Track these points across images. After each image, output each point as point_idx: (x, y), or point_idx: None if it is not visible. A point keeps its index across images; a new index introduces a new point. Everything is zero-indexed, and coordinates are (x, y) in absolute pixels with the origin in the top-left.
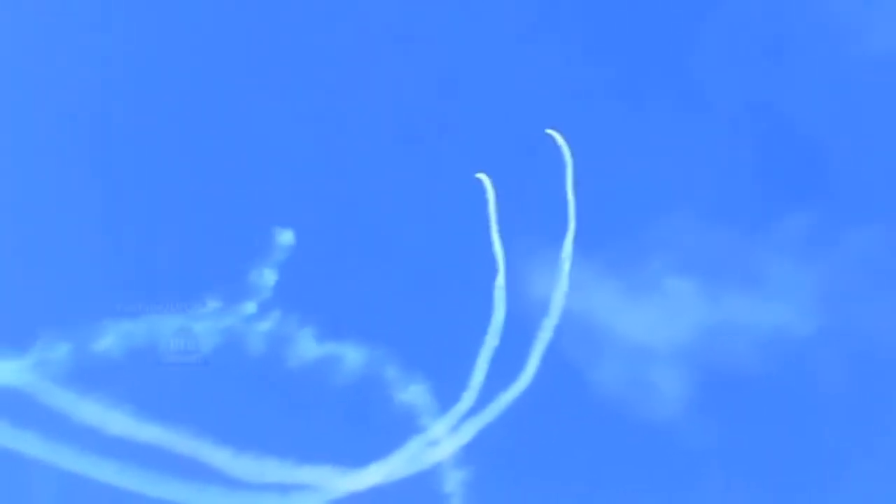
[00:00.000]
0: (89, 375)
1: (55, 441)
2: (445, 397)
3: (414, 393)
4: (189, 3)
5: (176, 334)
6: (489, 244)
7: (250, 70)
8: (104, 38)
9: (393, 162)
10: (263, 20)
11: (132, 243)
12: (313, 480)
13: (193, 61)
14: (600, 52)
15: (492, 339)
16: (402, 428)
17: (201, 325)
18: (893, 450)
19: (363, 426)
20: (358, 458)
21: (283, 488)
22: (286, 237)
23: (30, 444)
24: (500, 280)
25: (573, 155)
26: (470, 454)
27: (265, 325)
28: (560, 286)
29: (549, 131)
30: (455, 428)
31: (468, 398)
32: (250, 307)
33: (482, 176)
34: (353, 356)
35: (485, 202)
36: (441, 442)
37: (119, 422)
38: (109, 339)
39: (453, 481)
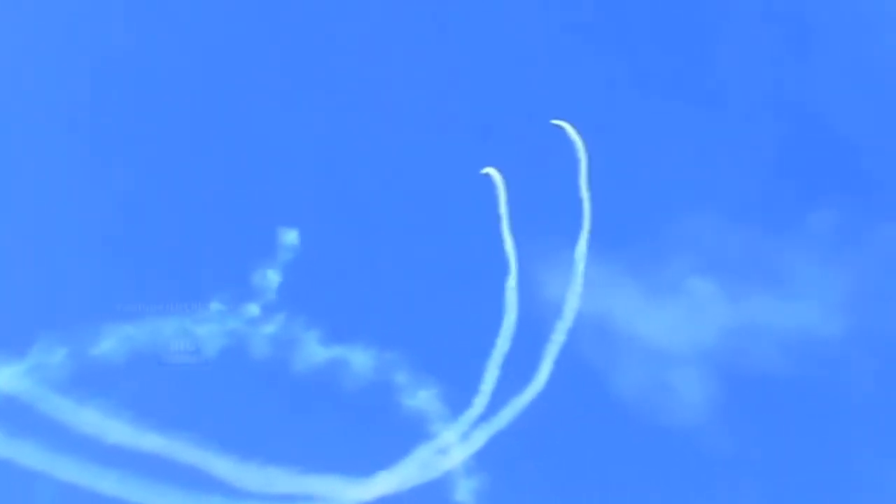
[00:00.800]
0: (88, 381)
1: (53, 450)
2: (456, 403)
3: (423, 398)
4: (193, 3)
5: (176, 334)
6: (500, 243)
7: (253, 69)
8: (108, 37)
9: (401, 159)
10: (268, 17)
11: (133, 244)
12: (319, 490)
13: (197, 61)
14: (618, 46)
15: (504, 343)
16: (411, 435)
17: (204, 328)
18: None
19: (371, 433)
20: (365, 466)
21: (289, 498)
22: (290, 237)
23: (27, 454)
24: (512, 281)
25: (593, 151)
26: (482, 462)
27: (269, 328)
28: (574, 287)
29: (562, 123)
30: (466, 434)
31: (479, 403)
32: (254, 309)
33: (492, 171)
34: (360, 360)
35: (495, 199)
36: (452, 449)
37: (119, 429)
38: (109, 343)
39: (465, 490)
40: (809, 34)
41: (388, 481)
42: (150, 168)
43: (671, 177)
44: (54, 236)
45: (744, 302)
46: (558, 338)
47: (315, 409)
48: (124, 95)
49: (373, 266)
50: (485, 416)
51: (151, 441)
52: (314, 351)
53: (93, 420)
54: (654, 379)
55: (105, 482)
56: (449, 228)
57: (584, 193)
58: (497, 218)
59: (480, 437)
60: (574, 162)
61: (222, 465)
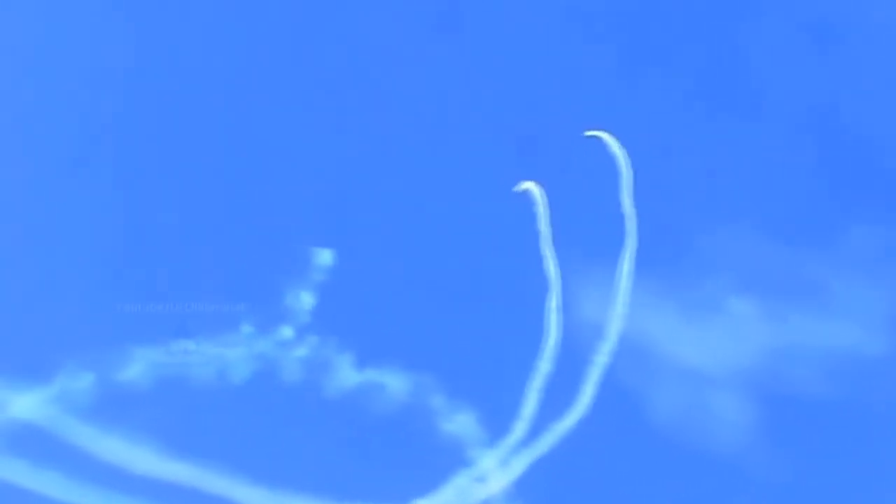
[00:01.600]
0: (114, 407)
1: (77, 480)
2: (495, 428)
3: (461, 423)
4: (225, 10)
5: (205, 359)
6: (540, 262)
7: (290, 82)
8: (138, 42)
9: (436, 175)
10: (309, 31)
11: (160, 265)
12: None
13: (232, 74)
14: (656, 55)
15: (544, 365)
16: (448, 461)
17: (233, 352)
18: None
19: (406, 459)
20: (401, 494)
21: None
22: (324, 257)
23: (51, 484)
24: (554, 301)
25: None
26: (521, 489)
27: (301, 351)
28: (617, 307)
29: (602, 135)
30: (505, 461)
31: (519, 429)
32: (287, 332)
33: (532, 186)
34: (395, 384)
35: (534, 216)
36: (490, 476)
37: (145, 458)
38: (137, 368)
39: None
40: (854, 45)
41: None
42: (181, 187)
43: (709, 191)
44: (82, 258)
45: (785, 321)
46: (601, 360)
47: (347, 435)
48: (154, 111)
49: (409, 287)
50: (524, 442)
51: (178, 470)
52: (347, 375)
53: (118, 448)
54: (694, 402)
55: None
56: (487, 247)
57: (628, 208)
58: (536, 235)
59: (520, 464)
60: (612, 175)
61: (252, 496)
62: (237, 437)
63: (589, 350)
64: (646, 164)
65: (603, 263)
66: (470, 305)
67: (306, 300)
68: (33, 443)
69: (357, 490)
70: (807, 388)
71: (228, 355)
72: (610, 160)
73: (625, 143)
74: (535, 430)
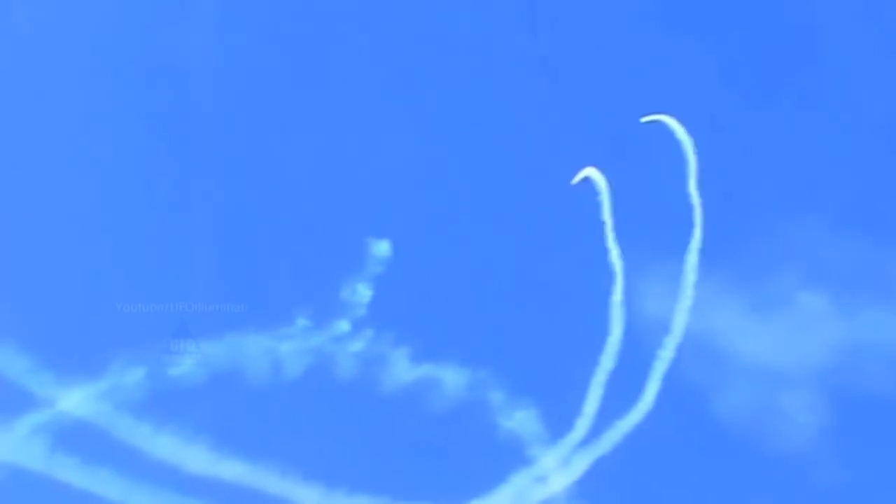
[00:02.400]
0: (166, 403)
1: (129, 479)
2: (556, 425)
3: (521, 420)
4: (293, 7)
5: (259, 353)
6: (603, 254)
7: (344, 72)
8: (205, 38)
9: (497, 164)
10: (368, 27)
11: (214, 256)
12: None
13: (286, 68)
14: (724, 42)
15: (607, 361)
16: (507, 460)
17: (287, 346)
18: None
19: (464, 458)
20: (458, 493)
21: None
22: (382, 248)
23: (103, 483)
24: (618, 294)
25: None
26: (583, 489)
27: (356, 346)
28: (683, 301)
29: (667, 119)
30: (567, 460)
31: (581, 426)
32: (343, 325)
33: (593, 172)
34: (452, 379)
35: (598, 206)
36: (551, 476)
37: (198, 456)
38: (188, 363)
39: None
40: None
41: None
42: (236, 177)
43: (778, 182)
44: (134, 250)
45: (857, 317)
46: (666, 355)
47: (404, 432)
48: (209, 104)
49: (468, 279)
50: (587, 440)
51: (232, 468)
52: (404, 369)
53: (170, 446)
54: (762, 401)
55: None
56: (549, 238)
57: (695, 198)
58: (601, 226)
59: (582, 463)
60: (678, 163)
61: (307, 495)
62: (291, 433)
63: (653, 345)
64: (713, 155)
65: (668, 256)
66: (530, 298)
67: (363, 293)
68: (83, 439)
69: (413, 488)
70: (880, 386)
71: (282, 349)
72: (677, 147)
73: (692, 131)
74: (598, 428)
